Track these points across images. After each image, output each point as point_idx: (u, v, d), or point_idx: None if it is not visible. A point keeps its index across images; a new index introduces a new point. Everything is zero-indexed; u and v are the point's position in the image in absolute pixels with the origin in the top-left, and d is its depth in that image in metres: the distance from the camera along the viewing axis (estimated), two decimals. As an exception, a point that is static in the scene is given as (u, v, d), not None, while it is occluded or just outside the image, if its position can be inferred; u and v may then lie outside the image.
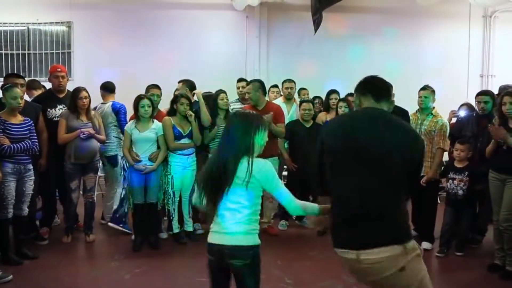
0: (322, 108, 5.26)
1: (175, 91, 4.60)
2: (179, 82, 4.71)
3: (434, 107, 4.20)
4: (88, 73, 6.33)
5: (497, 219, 3.46)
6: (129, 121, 4.11)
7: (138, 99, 3.92)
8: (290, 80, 5.22)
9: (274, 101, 5.02)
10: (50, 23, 6.76)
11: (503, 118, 3.40)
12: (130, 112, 4.23)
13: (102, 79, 4.72)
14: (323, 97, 5.34)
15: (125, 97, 4.46)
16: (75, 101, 3.95)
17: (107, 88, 4.57)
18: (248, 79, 5.11)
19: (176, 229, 4.11)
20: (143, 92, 4.29)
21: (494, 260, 3.55)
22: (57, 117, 4.07)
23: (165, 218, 4.29)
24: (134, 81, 5.62)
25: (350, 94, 5.19)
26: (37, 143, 3.62)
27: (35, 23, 6.74)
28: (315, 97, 5.47)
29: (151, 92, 4.31)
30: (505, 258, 3.44)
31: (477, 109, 4.14)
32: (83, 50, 6.74)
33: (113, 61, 6.59)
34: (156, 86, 4.43)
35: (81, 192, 4.20)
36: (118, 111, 4.42)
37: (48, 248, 3.93)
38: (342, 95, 4.96)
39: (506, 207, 3.35)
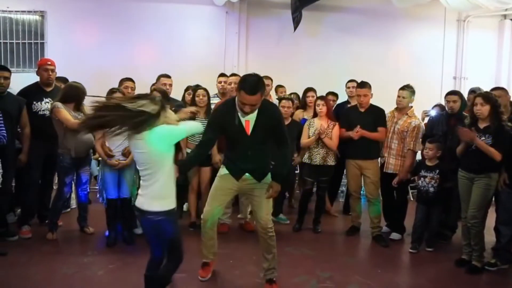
0: (298, 105, 5.29)
1: (151, 86, 4.53)
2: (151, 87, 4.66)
3: (411, 107, 4.28)
4: (62, 64, 6.13)
5: (465, 216, 3.59)
6: None
7: (111, 93, 3.82)
8: (266, 77, 5.23)
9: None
10: (22, 11, 6.51)
11: (474, 118, 3.51)
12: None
13: (76, 71, 4.59)
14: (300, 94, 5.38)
15: (99, 90, 4.34)
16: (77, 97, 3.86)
17: None
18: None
19: (151, 225, 4.07)
20: (116, 85, 4.20)
21: (461, 255, 3.68)
22: (43, 110, 4.01)
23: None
24: (108, 74, 5.48)
25: (330, 93, 5.27)
26: (4, 134, 3.52)
27: (5, 11, 6.48)
28: (291, 93, 5.48)
29: (124, 85, 4.23)
30: (471, 254, 3.58)
31: (446, 108, 4.27)
32: (57, 41, 6.53)
33: (88, 53, 6.41)
34: (130, 79, 4.35)
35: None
36: None
37: (18, 245, 3.80)
38: (319, 93, 5.01)
39: (473, 204, 3.48)
